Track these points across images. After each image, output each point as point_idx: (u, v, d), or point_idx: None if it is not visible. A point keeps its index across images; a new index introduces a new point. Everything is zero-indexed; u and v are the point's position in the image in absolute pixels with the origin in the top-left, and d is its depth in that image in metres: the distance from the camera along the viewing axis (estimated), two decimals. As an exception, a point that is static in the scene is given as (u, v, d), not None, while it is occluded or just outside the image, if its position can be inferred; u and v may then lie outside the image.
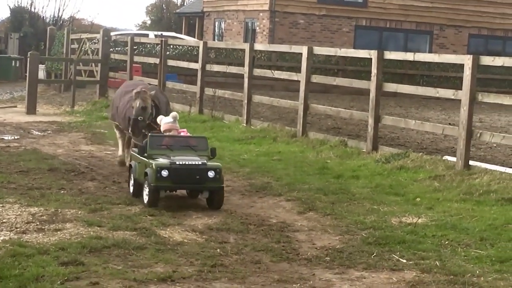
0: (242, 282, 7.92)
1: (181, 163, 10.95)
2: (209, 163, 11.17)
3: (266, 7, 40.15)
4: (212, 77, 27.82)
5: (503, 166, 14.81)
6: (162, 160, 11.05)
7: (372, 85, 16.29)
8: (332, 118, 22.96)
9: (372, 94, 16.25)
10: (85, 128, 20.48)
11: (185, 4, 62.25)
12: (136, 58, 27.61)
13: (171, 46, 33.04)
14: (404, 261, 8.88)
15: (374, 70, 16.25)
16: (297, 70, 20.39)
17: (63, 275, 7.76)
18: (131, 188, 11.83)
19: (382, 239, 9.69)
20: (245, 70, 20.64)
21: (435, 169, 14.02)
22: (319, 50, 20.46)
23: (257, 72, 21.05)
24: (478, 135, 14.26)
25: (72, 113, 24.60)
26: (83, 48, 30.28)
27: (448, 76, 36.33)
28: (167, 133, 11.82)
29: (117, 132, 14.58)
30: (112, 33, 32.41)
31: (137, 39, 29.55)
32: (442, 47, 42.30)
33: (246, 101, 20.13)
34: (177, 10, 57.87)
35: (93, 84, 28.32)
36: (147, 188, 11.04)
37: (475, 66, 13.99)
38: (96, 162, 14.98)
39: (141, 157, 11.37)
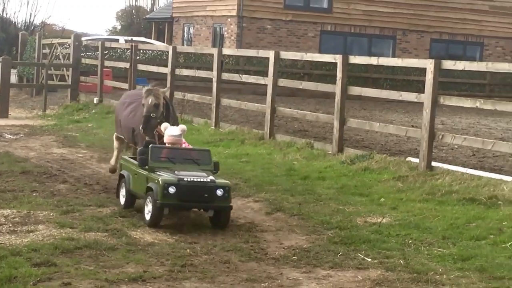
0: (212, 281, 7.91)
1: (189, 179, 9.94)
2: (217, 180, 10.15)
3: (234, 13, 40.17)
4: (182, 81, 27.75)
5: (464, 167, 14.90)
6: (168, 176, 10.01)
7: (337, 89, 16.33)
8: (299, 121, 22.99)
9: (338, 97, 16.29)
10: (57, 131, 20.38)
11: (154, 9, 62.10)
12: (106, 63, 27.47)
13: (141, 51, 32.96)
14: (369, 259, 8.91)
15: (339, 74, 16.30)
16: (264, 74, 20.39)
17: (35, 276, 7.72)
18: (122, 199, 11.02)
19: (348, 239, 9.73)
20: (213, 74, 20.62)
21: (399, 170, 14.08)
22: (285, 54, 20.49)
23: (225, 76, 21.05)
24: (440, 137, 14.34)
25: (43, 116, 24.47)
26: (54, 53, 30.11)
27: (411, 79, 36.52)
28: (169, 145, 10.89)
29: (115, 142, 13.48)
30: (83, 38, 32.28)
31: (107, 44, 29.45)
32: (405, 52, 42.55)
33: (214, 105, 20.12)
34: (147, 16, 57.73)
35: (65, 88, 28.19)
36: (150, 205, 10.02)
37: (437, 70, 14.07)
38: (68, 165, 14.90)
39: (142, 170, 10.43)
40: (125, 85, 24.69)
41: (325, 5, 41.54)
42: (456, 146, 18.56)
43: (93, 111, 24.21)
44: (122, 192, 11.00)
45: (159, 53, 35.36)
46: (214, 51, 21.09)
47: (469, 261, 8.84)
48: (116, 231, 9.71)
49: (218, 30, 42.20)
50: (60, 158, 15.72)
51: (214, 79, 20.47)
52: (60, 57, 29.72)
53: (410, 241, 9.72)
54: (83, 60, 28.28)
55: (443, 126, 24.30)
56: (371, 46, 42.33)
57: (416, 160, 14.55)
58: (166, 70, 22.89)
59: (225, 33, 41.19)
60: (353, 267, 8.59)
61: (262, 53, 21.52)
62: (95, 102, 25.75)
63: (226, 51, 24.72)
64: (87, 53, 32.67)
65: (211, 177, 10.12)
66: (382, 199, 12.16)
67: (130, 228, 9.94)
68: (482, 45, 44.47)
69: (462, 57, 41.34)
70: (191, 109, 23.23)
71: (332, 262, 8.76)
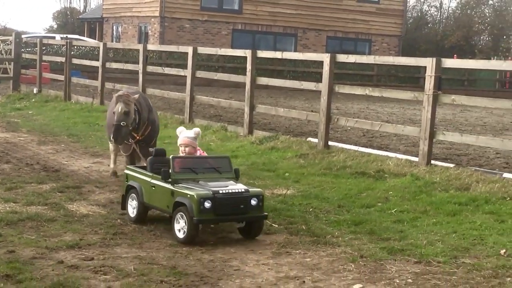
0: (140, 247, 7.86)
1: (224, 191, 8.12)
2: (251, 189, 8.36)
3: (157, 14, 39.91)
4: (111, 73, 27.50)
5: (356, 145, 15.09)
6: (202, 190, 8.13)
7: (247, 79, 16.36)
8: (214, 107, 22.97)
9: (248, 86, 16.32)
10: (0, 118, 19.94)
11: (86, 11, 61.24)
12: (44, 57, 27.06)
13: (75, 47, 32.52)
14: (276, 226, 8.93)
15: (248, 67, 16.32)
16: (184, 67, 20.31)
17: (-17, 245, 7.56)
18: (133, 212, 9.02)
19: (258, 208, 9.73)
20: (139, 67, 20.45)
21: (301, 148, 14.18)
22: (202, 50, 20.42)
23: (150, 69, 20.89)
24: (336, 120, 14.48)
25: (-12, 105, 23.92)
26: (-3, 49, 29.48)
27: (310, 71, 36.85)
28: (183, 148, 9.18)
29: (110, 145, 11.55)
30: (23, 36, 31.62)
31: (45, 41, 28.93)
32: (305, 47, 42.88)
33: (141, 94, 19.94)
34: (80, 16, 56.88)
35: (7, 80, 27.61)
36: (182, 221, 8.15)
37: (332, 62, 14.20)
38: (11, 147, 14.59)
39: (163, 183, 8.49)
40: (61, 77, 24.41)
41: (236, 7, 41.55)
42: (349, 128, 18.78)
43: (33, 100, 23.79)
44: (133, 204, 9.04)
45: (91, 49, 34.94)
46: (140, 47, 20.91)
47: (361, 225, 8.95)
48: (54, 205, 9.56)
49: (143, 28, 41.86)
50: (4, 141, 15.38)
51: (140, 71, 20.32)
52: (3, 52, 29.13)
53: (310, 209, 9.79)
54: (23, 55, 27.72)
55: (338, 111, 24.56)
56: (276, 42, 42.53)
57: (315, 140, 14.68)
58: (98, 63, 22.65)
59: (149, 31, 40.89)
60: (262, 232, 8.60)
61: (182, 49, 21.39)
62: (34, 92, 25.36)
63: (150, 47, 24.47)
64: (27, 49, 32.07)
65: (244, 187, 8.37)
66: (287, 174, 12.22)
67: (67, 202, 9.80)
68: (370, 41, 45.07)
69: (354, 52, 41.86)
70: (120, 98, 22.99)
71: (244, 228, 8.77)
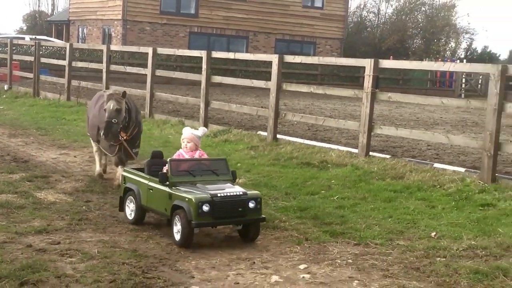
0: (104, 231, 7.79)
1: (222, 195, 7.36)
2: (249, 192, 7.59)
3: (119, 17, 39.59)
4: (77, 72, 27.16)
5: (302, 138, 15.15)
6: (200, 193, 7.38)
7: (203, 78, 16.31)
8: (172, 103, 22.85)
9: (203, 84, 16.27)
10: (-27, 112, 19.63)
11: (54, 13, 60.48)
12: (15, 57, 26.68)
13: (44, 47, 32.06)
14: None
15: (204, 66, 16.27)
16: (145, 66, 20.17)
17: (-44, 231, 7.42)
18: (131, 215, 8.27)
19: (211, 196, 9.69)
20: (103, 66, 20.26)
21: (252, 141, 14.18)
22: (161, 50, 20.29)
23: (113, 67, 20.70)
24: (283, 115, 14.51)
25: (-38, 100, 23.50)
26: (-30, 48, 28.98)
27: (261, 70, 36.87)
28: (185, 143, 8.32)
29: (93, 146, 10.88)
30: (-6, 36, 31.16)
31: (15, 41, 28.51)
32: (255, 49, 42.90)
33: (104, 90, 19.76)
34: (48, 19, 56.17)
35: (-21, 78, 27.23)
36: (180, 224, 7.35)
37: (280, 63, 14.22)
38: (-17, 140, 14.38)
39: (161, 186, 7.72)
40: (30, 75, 24.08)
41: (192, 11, 41.40)
42: (295, 122, 18.84)
43: (4, 96, 23.45)
44: (130, 207, 8.30)
45: (58, 49, 34.51)
46: (104, 47, 20.70)
47: (306, 211, 8.98)
48: (24, 193, 9.43)
49: (106, 30, 41.48)
50: (-24, 135, 15.14)
51: (104, 70, 20.12)
52: (-25, 52, 28.66)
53: (260, 197, 9.79)
54: (-6, 54, 27.35)
55: (285, 107, 24.61)
56: (229, 44, 42.49)
57: (265, 134, 14.70)
58: (65, 62, 22.39)
59: (113, 33, 40.54)
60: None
61: (142, 49, 21.23)
62: (5, 88, 25.01)
63: (113, 47, 24.24)
64: (-2, 49, 31.58)
65: (242, 189, 7.59)
66: (239, 164, 12.22)
67: (36, 190, 9.67)
68: (315, 44, 45.27)
69: (300, 53, 42.02)
70: (85, 94, 22.73)
71: (200, 214, 8.73)
